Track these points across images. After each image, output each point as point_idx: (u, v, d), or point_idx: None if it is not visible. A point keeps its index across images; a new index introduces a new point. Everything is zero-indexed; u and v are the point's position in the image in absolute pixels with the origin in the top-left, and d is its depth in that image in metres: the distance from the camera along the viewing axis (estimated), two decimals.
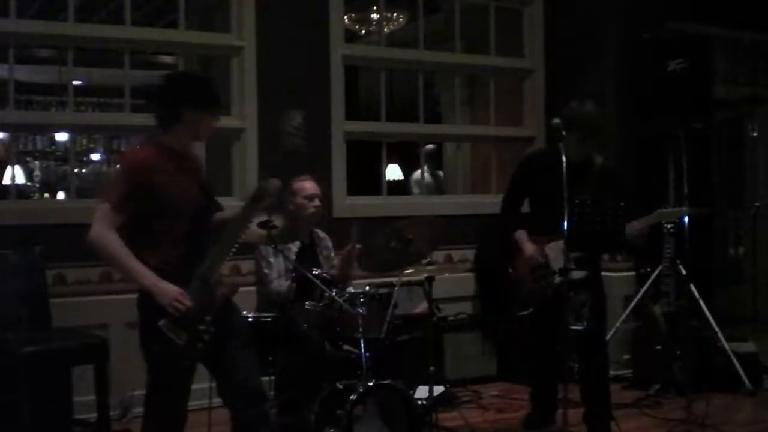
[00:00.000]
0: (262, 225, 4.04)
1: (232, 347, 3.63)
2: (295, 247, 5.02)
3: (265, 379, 4.30)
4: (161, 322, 3.40)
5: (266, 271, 4.93)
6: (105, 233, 3.41)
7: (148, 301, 3.45)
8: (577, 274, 4.53)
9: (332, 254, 5.28)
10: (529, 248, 4.84)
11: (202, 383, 3.84)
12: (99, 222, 3.43)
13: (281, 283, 4.86)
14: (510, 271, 4.98)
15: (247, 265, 5.73)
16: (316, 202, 5.08)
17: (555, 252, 4.69)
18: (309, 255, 5.07)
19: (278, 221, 4.36)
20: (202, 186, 3.68)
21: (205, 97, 3.62)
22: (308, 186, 5.08)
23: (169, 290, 3.41)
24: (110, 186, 3.55)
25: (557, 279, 4.62)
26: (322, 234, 5.27)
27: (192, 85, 3.68)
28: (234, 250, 3.57)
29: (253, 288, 5.20)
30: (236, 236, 3.57)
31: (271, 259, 4.92)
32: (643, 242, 4.73)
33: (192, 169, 3.68)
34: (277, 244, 4.62)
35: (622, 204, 4.47)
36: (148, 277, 3.42)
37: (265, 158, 5.99)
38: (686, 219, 5.81)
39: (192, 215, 3.55)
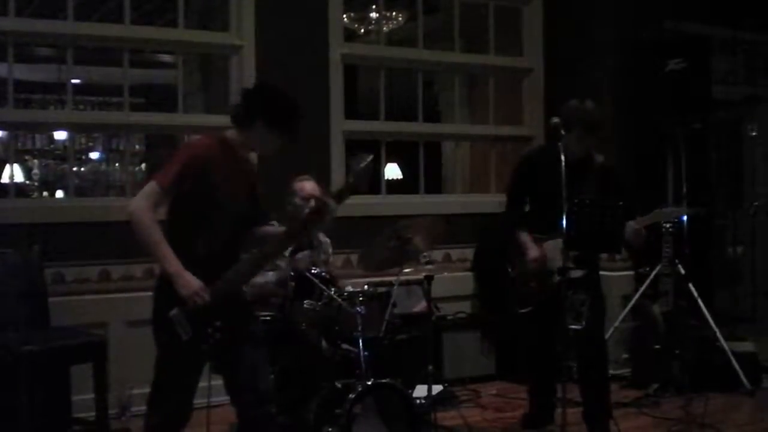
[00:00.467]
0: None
1: (245, 350, 3.63)
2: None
3: None
4: (172, 312, 3.41)
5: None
6: (145, 211, 3.39)
7: (166, 289, 3.44)
8: (576, 273, 4.53)
9: (330, 259, 5.26)
10: (533, 252, 4.84)
11: (201, 382, 3.84)
12: (142, 198, 3.42)
13: (265, 274, 4.86)
14: (509, 269, 4.98)
15: None
16: (312, 203, 5.03)
17: (553, 251, 4.70)
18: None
19: None
20: (251, 193, 3.70)
21: (284, 120, 3.63)
22: (307, 186, 5.06)
23: (191, 281, 3.41)
24: (166, 168, 3.50)
25: (556, 278, 4.62)
26: (322, 238, 5.25)
27: (277, 103, 3.67)
28: (263, 268, 3.57)
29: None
30: (275, 253, 3.60)
31: None
32: (640, 242, 4.72)
33: (246, 174, 3.71)
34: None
35: (621, 203, 4.47)
36: (174, 265, 3.41)
37: (264, 159, 5.98)
38: (685, 218, 5.82)
39: (234, 217, 3.56)
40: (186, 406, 3.67)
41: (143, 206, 3.39)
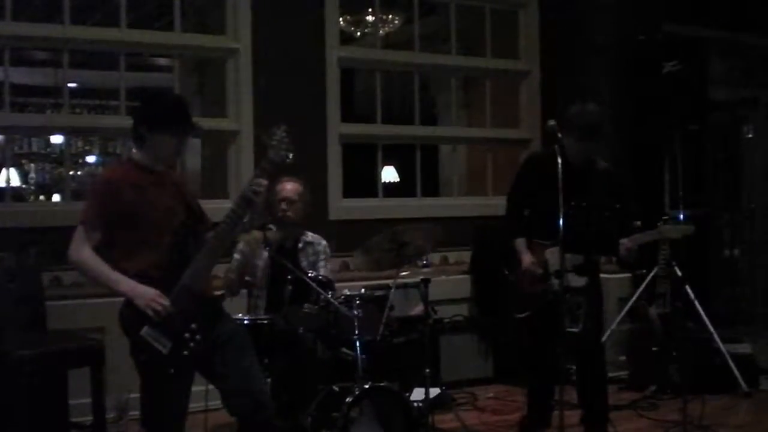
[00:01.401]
0: (261, 228, 4.06)
1: (229, 353, 3.63)
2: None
3: None
4: (143, 330, 3.43)
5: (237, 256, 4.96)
6: (80, 253, 3.52)
7: (129, 311, 3.48)
8: (577, 282, 4.51)
9: (321, 258, 5.22)
10: (526, 260, 4.83)
11: (198, 386, 3.83)
12: (75, 243, 3.54)
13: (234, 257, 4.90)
14: (507, 273, 4.98)
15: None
16: (283, 206, 5.00)
17: (555, 257, 4.66)
18: (289, 257, 4.98)
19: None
20: (184, 201, 3.70)
21: (162, 120, 3.62)
22: (287, 187, 5.03)
23: (145, 292, 3.44)
24: (84, 206, 3.62)
25: (555, 284, 4.61)
26: (311, 237, 5.22)
27: (152, 107, 3.68)
28: (218, 258, 3.58)
29: (243, 291, 5.19)
30: (221, 244, 3.59)
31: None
32: (634, 257, 4.71)
33: (168, 184, 3.69)
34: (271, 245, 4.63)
35: (618, 206, 4.46)
36: (125, 283, 3.48)
37: (261, 160, 5.97)
38: (682, 220, 5.81)
39: (171, 228, 3.57)
40: (180, 417, 3.67)
41: (76, 249, 3.52)
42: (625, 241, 4.61)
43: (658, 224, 4.92)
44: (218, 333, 3.61)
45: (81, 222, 3.55)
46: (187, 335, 3.47)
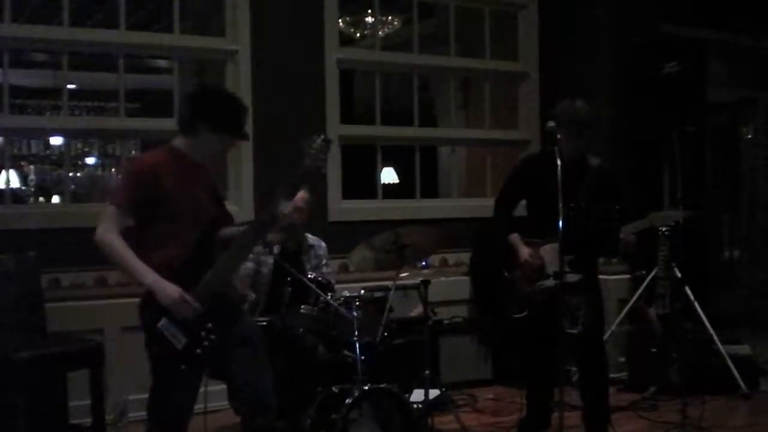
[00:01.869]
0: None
1: (243, 355, 3.63)
2: (276, 249, 5.02)
3: None
4: (161, 323, 3.42)
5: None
6: (109, 235, 3.44)
7: (149, 302, 3.45)
8: (572, 278, 4.52)
9: (323, 261, 5.27)
10: (524, 252, 4.84)
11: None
12: (104, 224, 3.46)
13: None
14: (506, 274, 4.98)
15: None
16: (293, 215, 5.03)
17: (551, 255, 4.69)
18: (292, 260, 5.03)
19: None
20: (213, 196, 3.70)
21: (225, 121, 3.62)
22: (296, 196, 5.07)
23: (170, 289, 3.41)
24: (117, 188, 3.57)
25: (552, 282, 4.62)
26: (312, 240, 5.25)
27: (216, 105, 3.65)
28: (243, 261, 3.56)
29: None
30: (246, 251, 3.58)
31: None
32: (631, 249, 4.72)
33: (202, 178, 3.68)
34: (272, 247, 4.65)
35: (617, 207, 4.47)
36: (150, 276, 3.42)
37: (260, 164, 5.99)
38: (681, 221, 5.81)
39: (201, 222, 3.55)
40: (186, 415, 3.67)
41: (105, 229, 3.45)
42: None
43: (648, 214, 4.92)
44: (234, 333, 3.61)
45: (112, 203, 3.49)
46: (203, 333, 3.46)
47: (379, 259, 4.81)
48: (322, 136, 3.54)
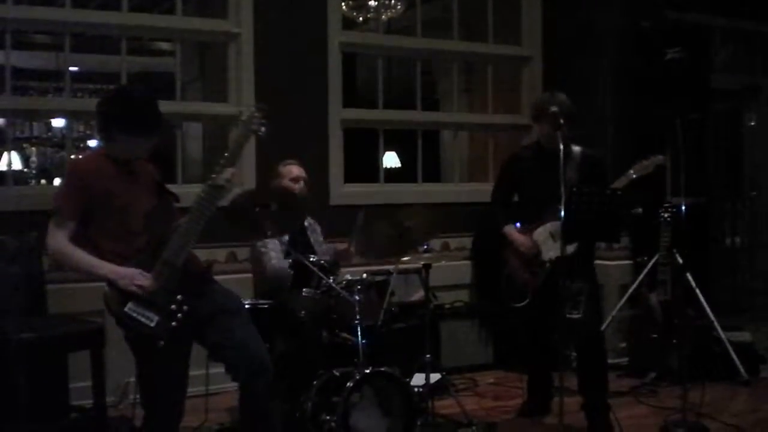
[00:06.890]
0: (262, 213, 4.12)
1: (224, 321, 3.69)
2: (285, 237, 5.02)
3: None
4: (127, 306, 3.49)
5: (263, 249, 4.94)
6: (60, 247, 3.58)
7: (112, 293, 3.54)
8: (569, 248, 4.48)
9: (320, 239, 5.29)
10: (522, 242, 4.88)
11: (198, 370, 3.84)
12: (51, 234, 3.60)
13: (281, 260, 4.87)
14: (505, 265, 5.01)
15: (242, 252, 5.73)
16: (301, 183, 5.16)
17: (543, 236, 4.78)
18: (301, 242, 5.08)
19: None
20: (154, 184, 3.76)
21: (132, 123, 3.64)
22: (294, 170, 5.19)
23: (125, 272, 3.51)
24: (59, 197, 3.66)
25: (548, 267, 4.74)
26: (311, 220, 5.28)
27: (121, 109, 3.68)
28: (196, 236, 3.60)
29: (249, 275, 5.21)
30: (199, 221, 3.61)
31: (267, 240, 4.93)
32: (634, 212, 4.77)
33: (136, 173, 3.74)
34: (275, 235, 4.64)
35: (619, 192, 4.47)
36: (104, 267, 3.55)
37: (262, 145, 5.97)
38: (683, 208, 5.79)
39: (139, 215, 3.61)
40: (178, 397, 3.71)
41: (56, 242, 3.59)
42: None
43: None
44: (210, 303, 3.68)
45: (54, 213, 3.60)
46: (173, 307, 3.51)
47: (379, 245, 4.80)
48: (257, 105, 3.80)
